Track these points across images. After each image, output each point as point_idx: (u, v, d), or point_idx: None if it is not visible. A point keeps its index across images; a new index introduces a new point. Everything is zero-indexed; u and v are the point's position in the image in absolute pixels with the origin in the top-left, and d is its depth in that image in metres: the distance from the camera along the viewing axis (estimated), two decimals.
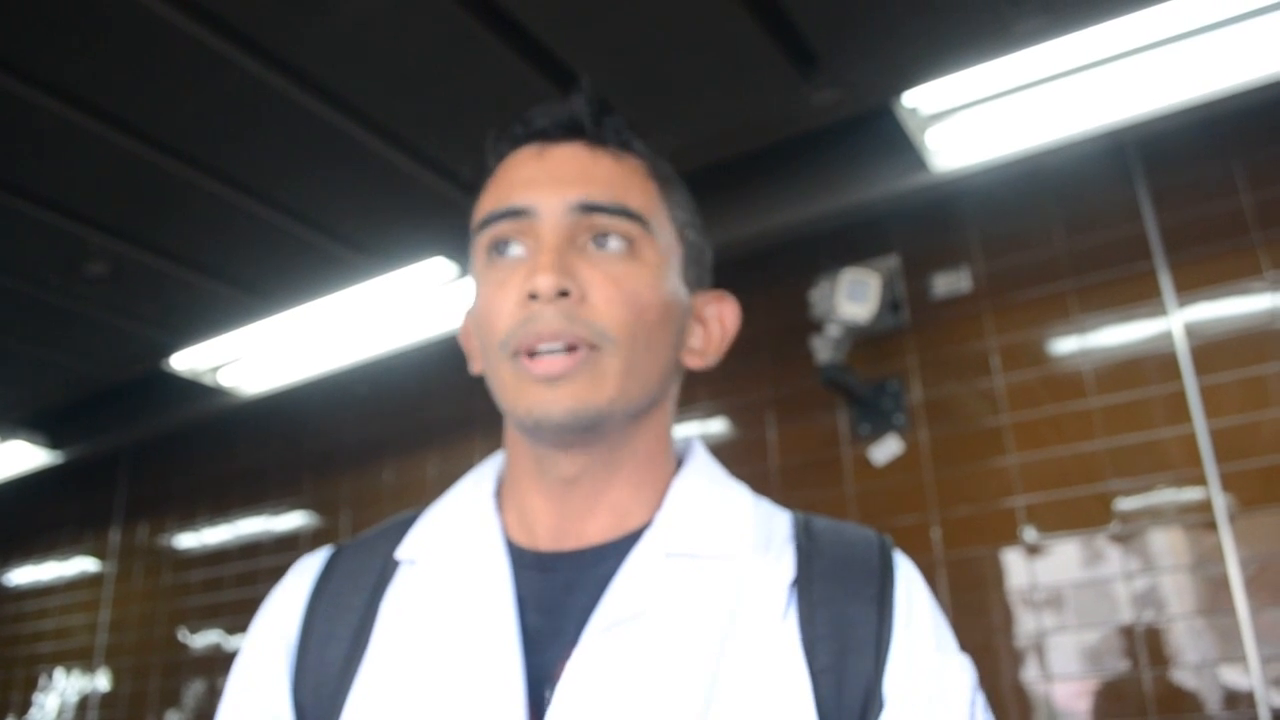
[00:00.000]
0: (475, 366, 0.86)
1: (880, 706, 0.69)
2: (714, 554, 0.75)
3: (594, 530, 0.77)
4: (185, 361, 3.62)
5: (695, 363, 0.82)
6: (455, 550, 0.79)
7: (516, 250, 0.76)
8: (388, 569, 0.80)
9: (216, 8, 1.96)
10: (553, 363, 0.71)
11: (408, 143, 2.42)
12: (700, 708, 0.67)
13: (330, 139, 2.36)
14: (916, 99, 2.36)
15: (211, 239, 2.86)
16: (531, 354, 0.72)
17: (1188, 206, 2.52)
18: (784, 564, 0.76)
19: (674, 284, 0.79)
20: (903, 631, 0.73)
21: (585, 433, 0.73)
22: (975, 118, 2.44)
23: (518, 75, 2.15)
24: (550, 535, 0.77)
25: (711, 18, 2.03)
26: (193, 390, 3.85)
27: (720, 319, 0.85)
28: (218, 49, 2.04)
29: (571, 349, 0.71)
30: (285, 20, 2.00)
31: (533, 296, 0.72)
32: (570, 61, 2.14)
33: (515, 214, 0.76)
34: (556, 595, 0.74)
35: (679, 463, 0.84)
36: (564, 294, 0.72)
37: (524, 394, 0.73)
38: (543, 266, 0.72)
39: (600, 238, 0.76)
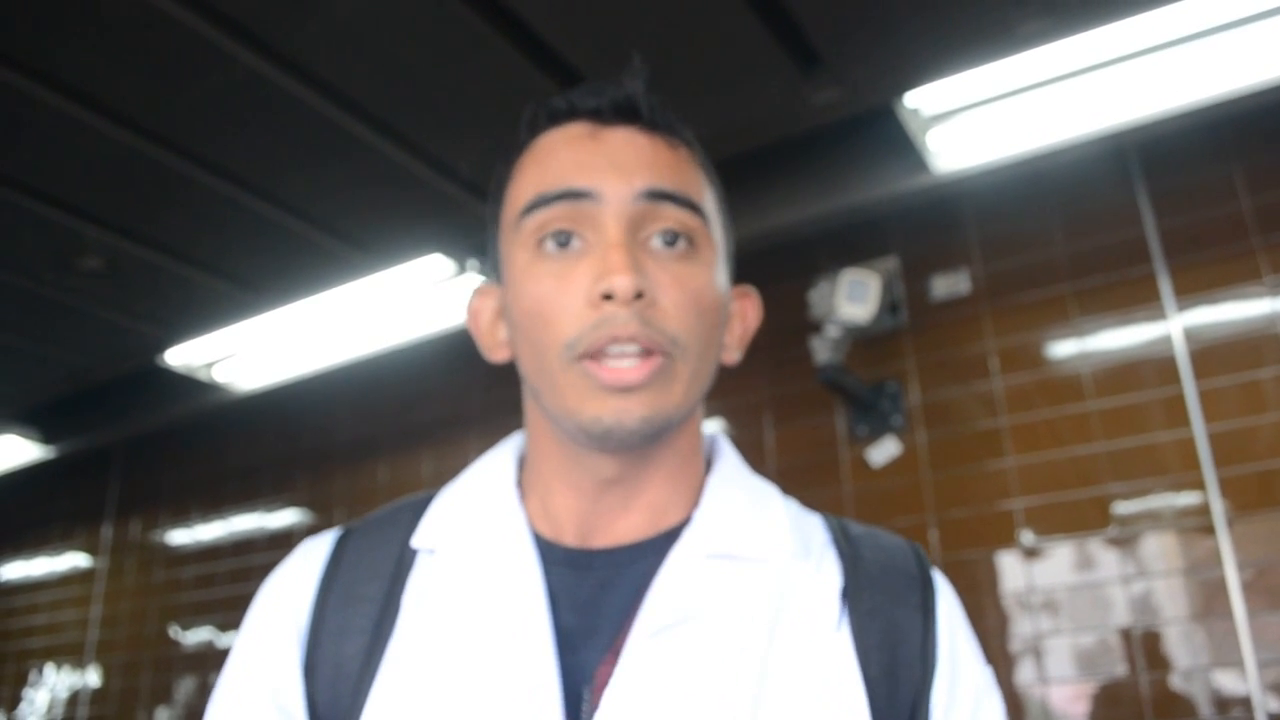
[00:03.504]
0: (497, 353, 0.80)
1: (927, 716, 0.70)
2: (754, 556, 0.73)
3: (625, 528, 0.75)
4: (180, 357, 3.60)
5: (726, 359, 0.80)
6: (480, 542, 0.75)
7: (576, 242, 0.71)
8: (405, 557, 0.77)
9: (217, 1, 1.94)
10: (625, 372, 0.67)
11: (406, 138, 2.41)
12: (749, 715, 0.66)
13: (329, 134, 2.35)
14: (918, 100, 2.36)
15: (208, 234, 2.85)
16: (599, 356, 0.68)
17: (1187, 210, 2.51)
18: (828, 570, 0.75)
19: (723, 282, 0.76)
20: (946, 642, 0.73)
21: (652, 440, 0.71)
22: (976, 119, 2.43)
23: (518, 71, 2.14)
24: (578, 531, 0.75)
25: (714, 15, 2.02)
26: (187, 386, 3.83)
27: (743, 315, 0.82)
28: (216, 41, 2.03)
29: (646, 353, 0.68)
30: (284, 13, 1.98)
31: (607, 297, 0.67)
32: (570, 57, 2.13)
33: (575, 196, 0.71)
34: (591, 594, 0.72)
35: (707, 459, 0.82)
36: (639, 295, 0.68)
37: (591, 401, 0.68)
38: (619, 266, 0.67)
39: (667, 234, 0.71)
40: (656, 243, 0.71)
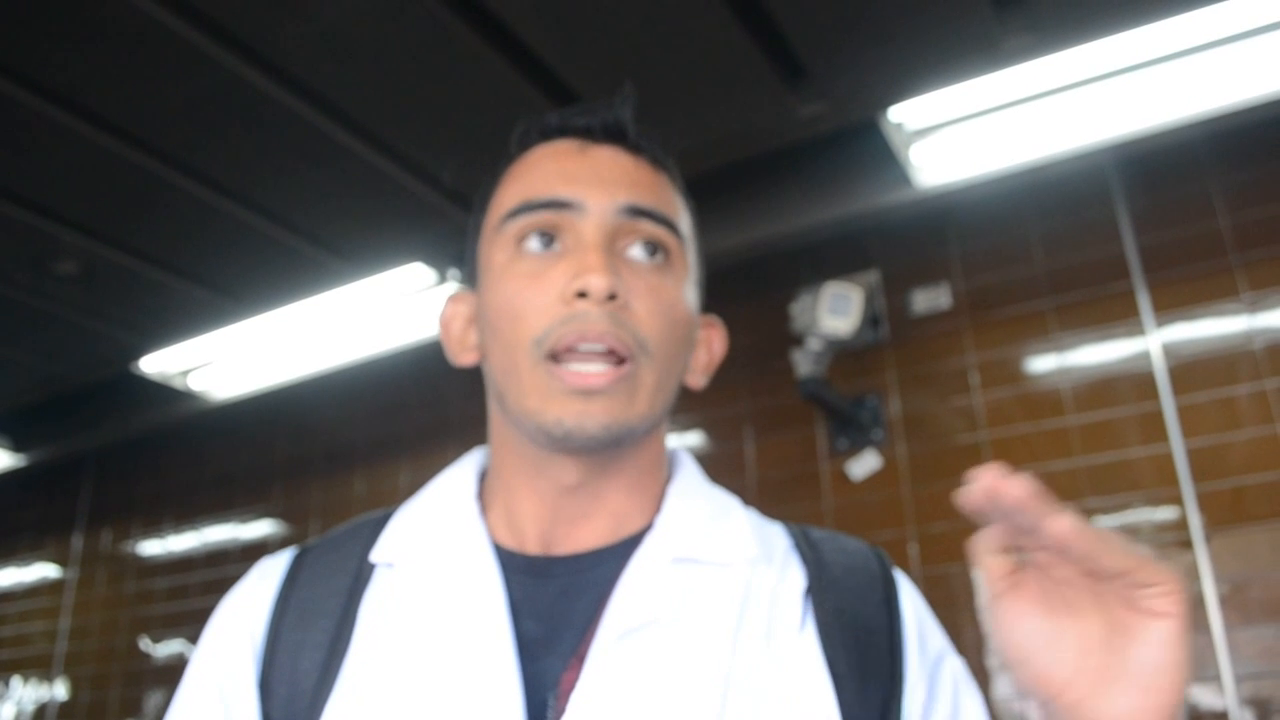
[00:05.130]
0: (465, 357, 0.81)
1: (899, 711, 0.71)
2: (717, 561, 0.74)
3: (588, 535, 0.75)
4: (155, 364, 3.55)
5: (691, 382, 0.82)
6: (439, 553, 0.75)
7: (555, 245, 0.73)
8: (363, 572, 0.76)
9: (198, 3, 1.93)
10: (589, 376, 0.69)
11: (389, 146, 2.39)
12: (716, 717, 0.66)
13: (310, 140, 2.33)
14: (902, 114, 2.37)
15: (186, 240, 2.82)
16: (565, 356, 0.69)
17: (1166, 227, 2.54)
18: (792, 573, 0.76)
19: (693, 301, 0.79)
20: (914, 637, 0.75)
21: (613, 446, 0.72)
22: (959, 134, 2.45)
23: (503, 81, 2.13)
24: (540, 538, 0.75)
25: (700, 27, 2.02)
26: (162, 394, 3.78)
27: (709, 344, 0.84)
28: (199, 45, 2.01)
29: (612, 354, 0.69)
30: (268, 18, 1.97)
31: (581, 295, 0.69)
32: (557, 68, 2.12)
33: (559, 206, 0.73)
34: (553, 601, 0.72)
35: (668, 472, 0.82)
36: (612, 297, 0.69)
37: (554, 403, 0.69)
38: (595, 266, 0.69)
39: (647, 245, 0.74)
40: (635, 252, 0.74)
